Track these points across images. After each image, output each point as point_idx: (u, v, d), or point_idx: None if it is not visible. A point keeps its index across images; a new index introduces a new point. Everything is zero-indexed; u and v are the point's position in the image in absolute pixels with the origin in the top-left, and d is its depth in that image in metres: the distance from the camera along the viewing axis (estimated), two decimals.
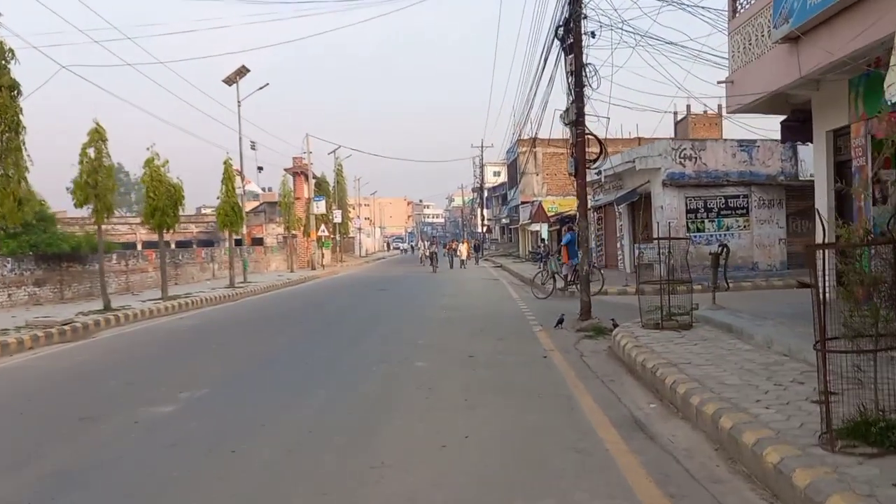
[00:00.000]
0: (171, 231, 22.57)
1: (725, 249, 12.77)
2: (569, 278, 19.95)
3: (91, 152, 18.15)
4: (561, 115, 13.73)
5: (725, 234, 20.89)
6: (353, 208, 76.82)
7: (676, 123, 38.13)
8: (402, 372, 9.37)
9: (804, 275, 21.47)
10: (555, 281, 20.64)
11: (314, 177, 49.54)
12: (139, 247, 52.67)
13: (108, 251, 24.83)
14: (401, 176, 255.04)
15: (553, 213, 41.26)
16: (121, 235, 59.80)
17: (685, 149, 21.19)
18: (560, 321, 13.92)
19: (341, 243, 59.73)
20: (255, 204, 63.76)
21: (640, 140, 40.00)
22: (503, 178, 71.44)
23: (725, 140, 21.53)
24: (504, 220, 68.85)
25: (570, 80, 13.57)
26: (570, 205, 46.70)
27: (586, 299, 13.29)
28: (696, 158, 21.16)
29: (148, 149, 21.27)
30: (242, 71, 31.51)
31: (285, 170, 47.27)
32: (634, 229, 24.96)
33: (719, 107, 42.90)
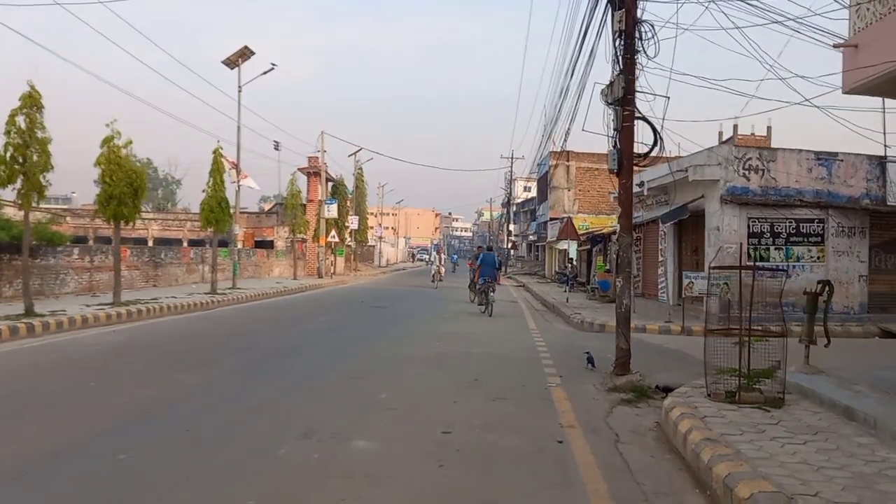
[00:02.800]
0: (132, 224, 19.18)
1: (828, 288, 8.99)
2: (483, 296, 20.28)
3: (21, 122, 14.81)
4: (602, 91, 10.05)
5: (795, 266, 17.00)
6: (375, 216, 73.52)
7: (721, 144, 34.19)
8: (321, 465, 5.71)
9: (888, 321, 17.57)
10: (480, 298, 20.69)
11: (330, 179, 46.28)
12: (150, 243, 49.92)
13: (59, 244, 21.56)
14: (430, 187, 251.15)
15: (584, 232, 37.45)
16: (131, 230, 57.18)
17: (751, 158, 17.28)
18: (590, 361, 10.68)
19: (357, 251, 56.36)
20: (270, 205, 60.78)
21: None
22: (534, 192, 67.66)
23: (801, 151, 17.60)
24: (531, 237, 65.04)
25: (617, 43, 9.91)
26: (602, 223, 42.90)
27: (625, 346, 9.52)
28: (763, 171, 17.26)
29: (108, 125, 18.00)
30: (245, 53, 28.25)
31: (299, 169, 43.95)
32: (681, 253, 21.08)
33: (769, 129, 39.13)
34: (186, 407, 7.60)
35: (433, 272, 36.44)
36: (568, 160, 49.49)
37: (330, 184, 46.49)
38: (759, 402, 7.50)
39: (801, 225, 17.40)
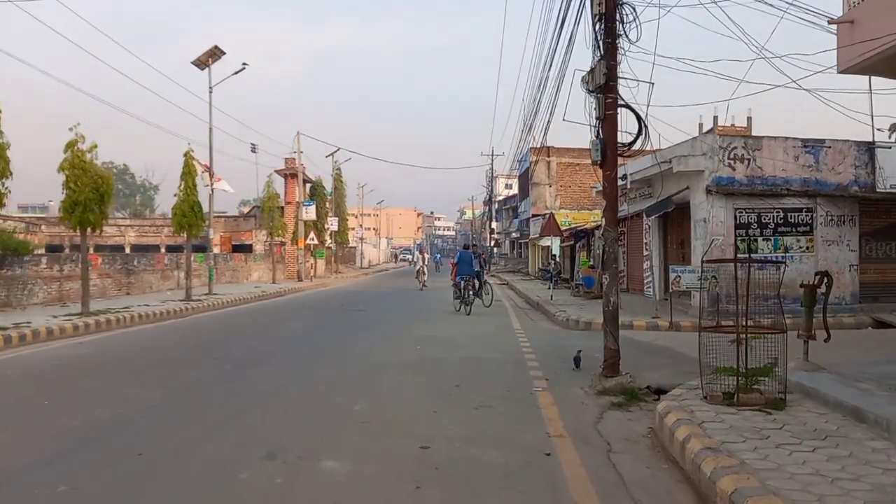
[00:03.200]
0: (98, 231, 18.46)
1: (826, 280, 8.52)
2: (466, 295, 20.07)
3: None
4: (583, 79, 9.54)
5: (784, 257, 16.56)
6: (356, 217, 72.77)
7: (705, 134, 33.76)
8: (285, 491, 5.15)
9: (881, 310, 17.18)
10: (457, 296, 20.51)
11: (308, 180, 45.58)
12: (127, 250, 49.03)
13: (24, 253, 20.82)
14: (412, 188, 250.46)
15: (567, 227, 36.97)
16: (108, 238, 56.24)
17: (736, 147, 16.85)
18: (577, 361, 10.25)
19: (337, 253, 55.65)
20: (249, 209, 59.91)
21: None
22: (515, 190, 67.14)
23: (787, 138, 17.18)
24: (514, 234, 64.67)
25: (597, 28, 9.40)
26: (584, 219, 42.46)
27: (613, 346, 9.01)
28: (749, 160, 16.82)
29: (71, 129, 17.32)
30: (216, 53, 27.51)
31: (276, 171, 43.19)
32: (666, 247, 20.66)
33: (749, 119, 38.80)
34: (142, 426, 6.99)
35: (416, 272, 34.32)
36: (549, 156, 49.05)
37: (308, 185, 45.81)
38: (760, 404, 7.00)
39: (789, 214, 17.00)
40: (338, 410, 7.65)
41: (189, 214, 23.43)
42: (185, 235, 24.01)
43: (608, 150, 9.17)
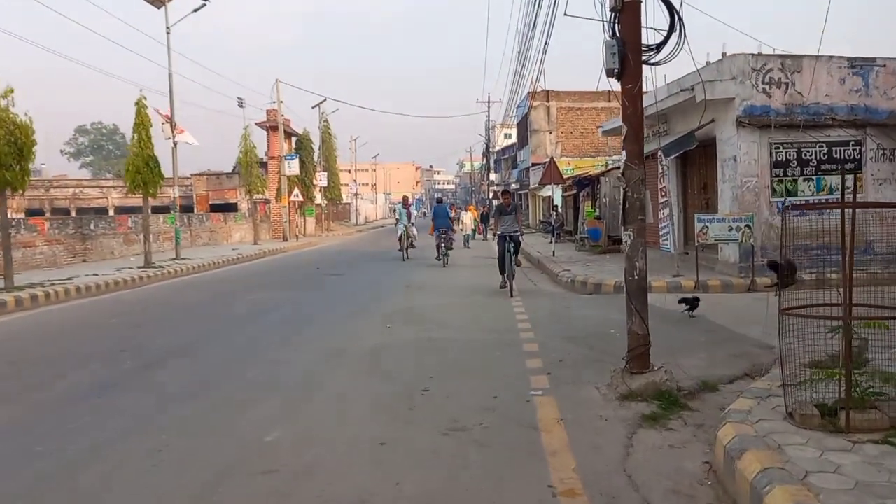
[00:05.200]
0: (21, 192, 15.84)
1: None
2: (440, 249, 20.99)
3: None
4: None
5: (828, 199, 13.93)
6: (350, 172, 69.80)
7: (733, 56, 30.66)
8: None
9: None
10: (438, 251, 21.15)
11: (293, 133, 42.73)
12: (111, 212, 46.52)
13: None
14: (409, 140, 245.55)
15: (569, 176, 34.19)
16: (91, 199, 53.74)
17: (771, 69, 14.00)
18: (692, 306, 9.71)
19: (329, 210, 53.01)
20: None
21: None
22: (515, 139, 64.07)
23: (831, 57, 14.28)
24: (514, 185, 61.77)
25: None
26: (588, 166, 39.66)
27: (641, 331, 6.42)
28: (787, 84, 14.01)
29: None
30: None
31: (257, 124, 40.21)
32: (686, 193, 17.97)
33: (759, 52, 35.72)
34: None
35: (400, 233, 23.71)
36: (548, 100, 46.15)
37: (294, 139, 42.98)
38: (883, 430, 4.46)
39: (833, 149, 14.25)
40: (238, 447, 5.09)
41: (144, 171, 20.76)
42: (142, 194, 21.36)
43: (629, 53, 6.48)
